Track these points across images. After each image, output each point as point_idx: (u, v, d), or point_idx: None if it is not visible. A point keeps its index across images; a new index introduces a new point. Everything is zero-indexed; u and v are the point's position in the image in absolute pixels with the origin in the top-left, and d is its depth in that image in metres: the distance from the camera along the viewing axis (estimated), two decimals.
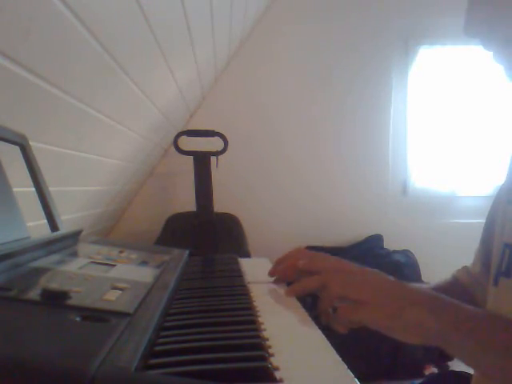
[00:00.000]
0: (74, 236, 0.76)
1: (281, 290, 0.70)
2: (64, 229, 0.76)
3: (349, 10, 2.18)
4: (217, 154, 1.80)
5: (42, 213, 0.74)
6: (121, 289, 0.50)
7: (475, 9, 0.56)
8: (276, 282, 0.76)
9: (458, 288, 0.83)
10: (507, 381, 0.52)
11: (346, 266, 0.63)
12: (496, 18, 0.55)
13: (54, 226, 0.74)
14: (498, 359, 0.52)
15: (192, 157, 1.81)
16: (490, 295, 0.70)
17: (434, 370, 1.73)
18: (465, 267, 0.85)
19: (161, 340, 0.42)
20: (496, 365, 0.52)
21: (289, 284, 0.74)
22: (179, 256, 0.84)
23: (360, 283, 0.58)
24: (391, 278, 0.60)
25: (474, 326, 0.54)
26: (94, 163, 1.25)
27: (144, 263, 0.69)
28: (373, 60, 2.21)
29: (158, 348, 0.40)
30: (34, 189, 0.73)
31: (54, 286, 0.48)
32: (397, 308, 0.55)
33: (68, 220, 1.21)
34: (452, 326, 0.53)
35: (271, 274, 0.77)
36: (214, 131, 1.81)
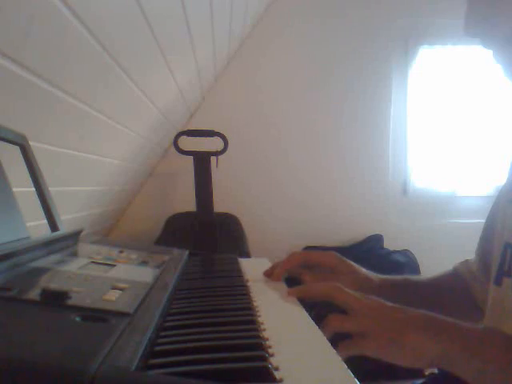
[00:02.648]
0: (74, 236, 0.76)
1: (281, 289, 0.70)
2: (64, 229, 0.76)
3: (349, 10, 2.18)
4: (217, 153, 1.79)
5: (42, 213, 0.74)
6: (121, 289, 0.50)
7: (475, 8, 0.56)
8: (272, 279, 0.76)
9: (458, 280, 0.84)
10: None
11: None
12: (496, 17, 0.55)
13: (53, 226, 0.74)
14: (499, 374, 0.52)
15: (192, 157, 1.81)
16: (490, 294, 0.70)
17: (435, 370, 1.73)
18: (466, 261, 0.86)
19: (161, 340, 0.42)
20: (498, 379, 0.52)
21: (289, 283, 0.74)
22: (179, 256, 0.84)
23: (358, 315, 0.58)
24: (387, 303, 0.60)
25: (474, 344, 0.54)
26: (94, 163, 1.25)
27: (144, 263, 0.69)
28: (373, 60, 2.21)
29: (158, 348, 0.40)
30: (34, 189, 0.73)
31: (54, 286, 0.48)
32: (395, 335, 0.55)
33: (68, 220, 1.21)
34: (452, 345, 0.53)
35: (266, 274, 0.77)
36: (213, 131, 1.81)
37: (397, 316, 0.57)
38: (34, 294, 0.42)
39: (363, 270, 0.82)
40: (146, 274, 0.62)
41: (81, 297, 0.44)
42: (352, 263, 0.82)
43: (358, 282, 0.80)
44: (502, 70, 0.59)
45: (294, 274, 0.79)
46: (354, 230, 2.22)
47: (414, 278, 0.89)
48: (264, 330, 0.48)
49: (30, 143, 0.74)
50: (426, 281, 0.87)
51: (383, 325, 0.56)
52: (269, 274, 0.77)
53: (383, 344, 0.55)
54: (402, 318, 0.57)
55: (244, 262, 0.88)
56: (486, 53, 0.58)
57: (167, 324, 0.47)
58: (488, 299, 0.71)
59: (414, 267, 2.11)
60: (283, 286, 0.73)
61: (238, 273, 0.77)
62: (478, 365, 0.52)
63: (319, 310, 0.58)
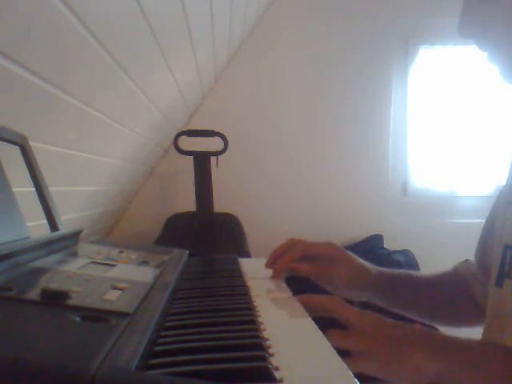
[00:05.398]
0: (74, 236, 0.76)
1: (281, 289, 0.70)
2: (64, 229, 0.76)
3: (349, 10, 2.18)
4: (217, 153, 1.79)
5: (42, 213, 0.74)
6: (121, 289, 0.50)
7: (469, 9, 0.56)
8: (274, 275, 0.76)
9: (458, 279, 0.84)
10: None
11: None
12: (490, 19, 0.55)
13: (53, 226, 0.74)
14: None
15: (192, 157, 1.81)
16: (491, 296, 0.70)
17: None
18: (467, 260, 0.86)
19: (161, 340, 0.42)
20: None
21: (289, 282, 0.75)
22: (179, 256, 0.84)
23: (358, 332, 0.57)
24: (387, 319, 0.59)
25: (474, 359, 0.54)
26: (94, 163, 1.25)
27: (144, 263, 0.69)
28: (373, 60, 2.21)
29: (158, 348, 0.40)
30: (34, 189, 0.73)
31: (54, 286, 0.48)
32: (393, 355, 0.54)
33: (68, 220, 1.21)
34: (452, 362, 0.53)
35: (268, 266, 0.78)
36: (213, 131, 1.81)
37: (396, 334, 0.57)
38: (33, 294, 0.42)
39: (360, 260, 0.83)
40: (146, 274, 0.62)
41: (81, 297, 0.44)
42: (350, 253, 0.82)
43: (354, 270, 0.80)
44: (498, 72, 0.59)
45: (292, 271, 0.79)
46: (354, 230, 2.22)
47: (414, 273, 0.89)
48: (264, 329, 0.48)
49: (30, 143, 0.74)
50: (426, 277, 0.87)
51: (383, 344, 0.56)
52: (270, 265, 0.78)
53: (382, 364, 0.55)
54: (402, 335, 0.57)
55: (244, 262, 0.88)
56: (481, 54, 0.58)
57: (167, 324, 0.47)
58: (488, 300, 0.71)
59: (413, 267, 2.11)
60: (283, 285, 0.73)
61: (237, 273, 0.77)
62: (480, 380, 0.52)
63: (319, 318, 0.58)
